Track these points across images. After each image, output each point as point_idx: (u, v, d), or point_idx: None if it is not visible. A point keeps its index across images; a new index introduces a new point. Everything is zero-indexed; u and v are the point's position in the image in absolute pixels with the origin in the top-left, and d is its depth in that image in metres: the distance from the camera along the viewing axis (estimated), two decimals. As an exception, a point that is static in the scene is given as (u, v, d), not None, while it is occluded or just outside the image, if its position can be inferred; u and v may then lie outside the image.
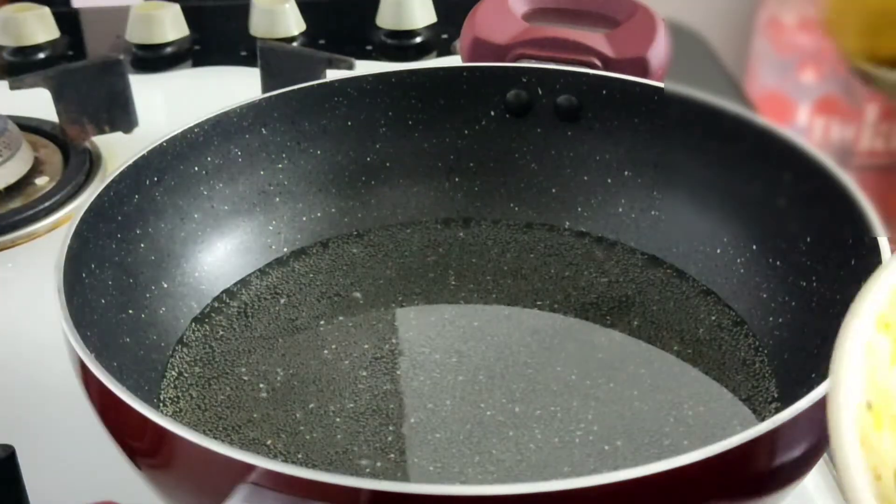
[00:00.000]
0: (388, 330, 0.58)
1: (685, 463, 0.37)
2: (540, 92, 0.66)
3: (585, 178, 0.66)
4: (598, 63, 0.68)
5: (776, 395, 0.53)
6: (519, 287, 0.61)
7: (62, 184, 0.77)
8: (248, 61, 0.94)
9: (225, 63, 0.99)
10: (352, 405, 0.53)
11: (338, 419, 0.52)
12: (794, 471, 0.42)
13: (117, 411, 0.42)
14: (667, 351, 0.56)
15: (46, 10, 1.02)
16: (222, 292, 0.61)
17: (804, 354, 0.52)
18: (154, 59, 1.00)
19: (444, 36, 1.02)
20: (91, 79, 0.80)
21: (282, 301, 0.61)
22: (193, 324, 0.59)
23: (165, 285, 0.59)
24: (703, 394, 0.53)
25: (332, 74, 0.71)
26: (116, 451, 0.44)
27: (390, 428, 0.51)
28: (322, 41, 1.01)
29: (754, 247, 0.59)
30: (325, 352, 0.57)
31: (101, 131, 0.82)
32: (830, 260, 0.53)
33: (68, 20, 1.07)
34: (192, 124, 0.60)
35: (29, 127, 0.83)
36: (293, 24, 1.01)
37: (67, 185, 0.77)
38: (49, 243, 0.72)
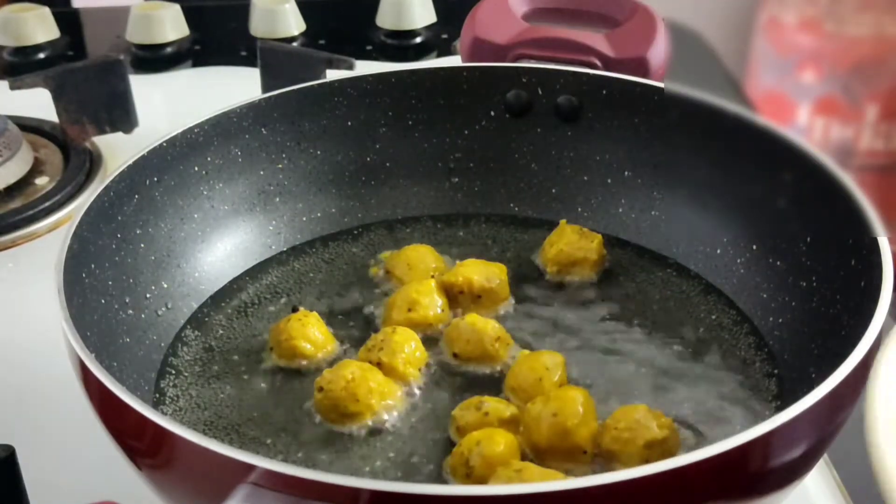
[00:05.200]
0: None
1: (685, 463, 0.37)
2: (540, 92, 0.66)
3: (585, 178, 0.66)
4: (598, 63, 0.68)
5: (776, 395, 0.53)
6: (519, 286, 0.61)
7: (62, 184, 0.77)
8: (248, 61, 0.94)
9: (225, 63, 0.99)
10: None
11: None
12: (795, 470, 0.42)
13: (117, 411, 0.42)
14: (667, 350, 0.56)
15: (46, 10, 1.02)
16: (222, 292, 0.61)
17: (804, 354, 0.52)
18: (154, 59, 1.00)
19: (444, 36, 1.02)
20: (91, 79, 0.80)
21: (282, 300, 0.61)
22: (193, 323, 0.59)
23: (165, 285, 0.59)
24: (704, 394, 0.53)
25: (332, 74, 0.71)
26: (116, 451, 0.44)
27: (390, 427, 0.51)
28: (322, 41, 1.01)
29: (754, 247, 0.59)
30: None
31: (102, 131, 0.82)
32: (830, 260, 0.53)
33: (68, 20, 1.07)
34: (192, 124, 0.60)
35: (29, 127, 0.83)
36: (293, 24, 1.01)
37: (67, 185, 0.77)
38: (49, 243, 0.72)
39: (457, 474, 0.47)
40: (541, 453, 0.48)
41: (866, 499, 0.54)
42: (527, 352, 0.54)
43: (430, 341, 0.56)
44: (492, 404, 0.50)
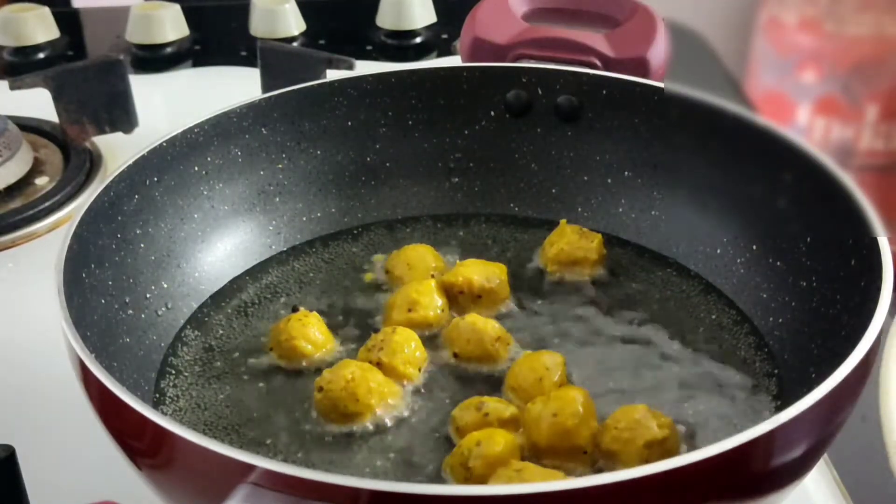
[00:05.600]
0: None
1: (685, 463, 0.37)
2: (540, 92, 0.66)
3: (585, 178, 0.66)
4: (598, 63, 0.68)
5: (776, 395, 0.53)
6: (519, 286, 0.61)
7: (62, 184, 0.77)
8: (248, 61, 0.94)
9: (225, 63, 0.99)
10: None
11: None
12: (795, 470, 0.43)
13: (117, 411, 0.42)
14: (667, 350, 0.56)
15: (46, 10, 1.02)
16: (222, 292, 0.61)
17: (804, 354, 0.52)
18: (154, 59, 1.00)
19: (444, 36, 1.02)
20: (91, 79, 0.80)
21: (282, 300, 0.61)
22: (193, 323, 0.59)
23: (165, 285, 0.59)
24: (703, 393, 0.53)
25: (332, 74, 0.71)
26: (116, 451, 0.44)
27: (390, 427, 0.51)
28: (322, 41, 1.01)
29: (754, 247, 0.59)
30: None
31: (102, 131, 0.82)
32: (830, 260, 0.53)
33: (68, 20, 1.07)
34: (192, 124, 0.60)
35: (29, 127, 0.83)
36: (293, 24, 1.01)
37: (67, 185, 0.77)
38: (49, 243, 0.72)
39: (456, 474, 0.47)
40: (540, 453, 0.48)
41: (866, 499, 0.54)
42: (528, 352, 0.54)
43: (430, 341, 0.56)
44: (491, 405, 0.50)
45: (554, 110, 0.66)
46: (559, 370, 0.52)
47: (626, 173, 0.65)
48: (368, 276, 0.62)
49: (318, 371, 0.54)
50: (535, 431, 0.48)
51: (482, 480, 0.46)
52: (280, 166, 0.65)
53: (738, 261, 0.60)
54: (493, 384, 0.54)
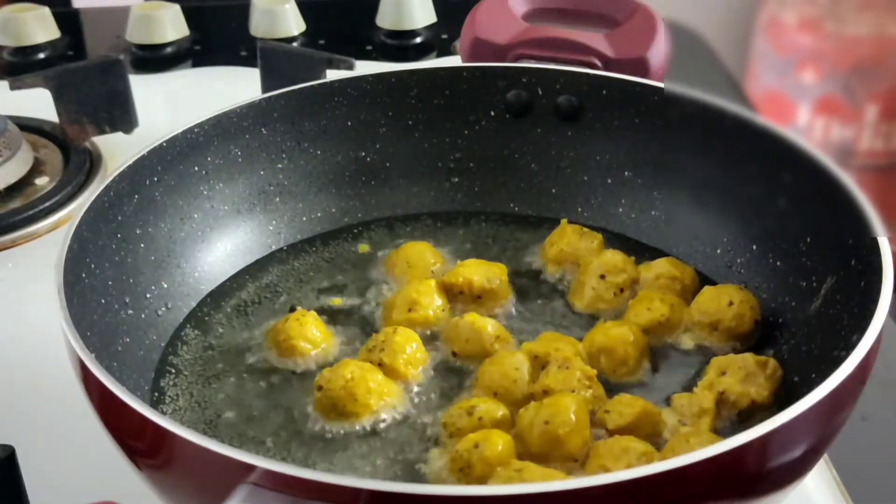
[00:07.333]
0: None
1: (685, 463, 0.37)
2: (540, 92, 0.66)
3: (585, 177, 0.66)
4: (598, 63, 0.68)
5: (776, 395, 0.53)
6: (519, 286, 0.61)
7: (62, 184, 0.77)
8: (248, 61, 0.94)
9: (225, 63, 0.99)
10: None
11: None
12: (794, 471, 0.43)
13: (117, 411, 0.42)
14: (667, 350, 0.56)
15: (46, 10, 1.02)
16: (222, 291, 0.61)
17: (804, 354, 0.52)
18: (154, 59, 1.00)
19: (444, 36, 1.02)
20: (91, 79, 0.80)
21: (281, 299, 0.61)
22: (193, 323, 0.59)
23: (165, 285, 0.59)
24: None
25: (332, 74, 0.71)
26: (116, 451, 0.44)
27: (389, 427, 0.51)
28: (322, 41, 1.01)
29: (754, 247, 0.59)
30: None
31: (102, 131, 0.82)
32: (830, 260, 0.53)
33: (68, 20, 1.07)
34: (192, 124, 0.60)
35: (29, 127, 0.83)
36: (293, 24, 1.01)
37: (67, 185, 0.77)
38: (49, 243, 0.72)
39: (456, 475, 0.47)
40: (533, 458, 0.48)
41: (866, 499, 0.54)
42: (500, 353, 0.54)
43: (429, 340, 0.56)
44: (482, 406, 0.50)
45: (554, 110, 0.66)
46: (527, 370, 0.52)
47: (626, 173, 0.65)
48: (363, 248, 0.63)
49: (318, 370, 0.54)
50: (527, 437, 0.48)
51: (481, 480, 0.46)
52: (280, 166, 0.65)
53: (738, 261, 0.60)
54: (493, 384, 0.54)
